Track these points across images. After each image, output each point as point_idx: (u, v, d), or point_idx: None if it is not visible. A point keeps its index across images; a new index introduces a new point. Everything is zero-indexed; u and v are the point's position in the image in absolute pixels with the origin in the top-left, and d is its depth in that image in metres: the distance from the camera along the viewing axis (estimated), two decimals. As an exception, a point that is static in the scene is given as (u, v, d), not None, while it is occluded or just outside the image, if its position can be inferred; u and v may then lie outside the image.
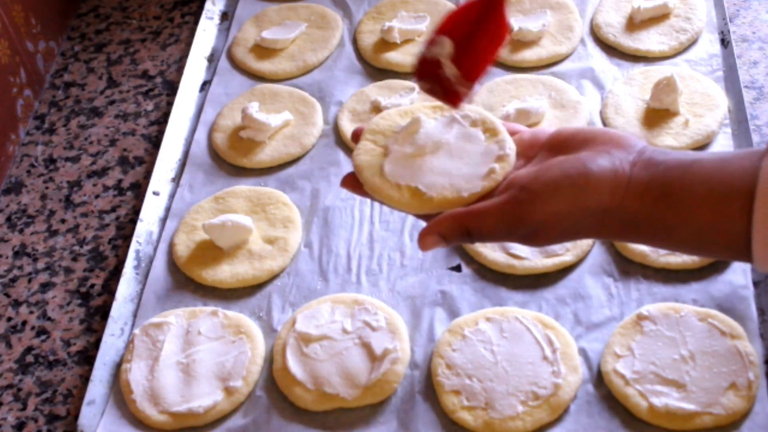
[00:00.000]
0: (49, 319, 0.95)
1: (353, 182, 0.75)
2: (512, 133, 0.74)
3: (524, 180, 0.66)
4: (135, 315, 0.92)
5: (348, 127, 1.04)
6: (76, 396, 0.88)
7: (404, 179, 0.72)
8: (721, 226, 0.62)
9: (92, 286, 0.97)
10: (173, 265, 0.95)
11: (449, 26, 0.72)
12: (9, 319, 0.95)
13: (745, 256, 0.61)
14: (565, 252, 0.88)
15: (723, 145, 0.96)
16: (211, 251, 0.94)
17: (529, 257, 0.89)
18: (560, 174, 0.65)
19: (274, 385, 0.84)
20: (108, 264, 0.99)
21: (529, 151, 0.72)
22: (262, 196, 0.99)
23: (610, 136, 0.67)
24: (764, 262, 0.60)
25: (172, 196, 1.02)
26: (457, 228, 0.68)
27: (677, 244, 0.66)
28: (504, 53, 1.09)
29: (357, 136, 0.77)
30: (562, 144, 0.69)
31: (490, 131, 0.74)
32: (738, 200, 0.60)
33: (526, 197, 0.66)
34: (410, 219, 0.94)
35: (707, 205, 0.62)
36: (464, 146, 0.73)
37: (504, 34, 0.72)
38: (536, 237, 0.67)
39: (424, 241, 0.68)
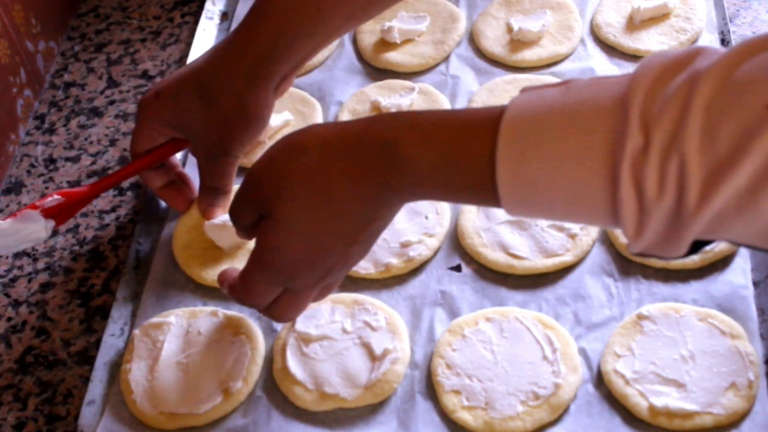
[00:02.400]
0: (49, 319, 0.95)
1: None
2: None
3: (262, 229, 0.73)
4: (135, 315, 0.92)
5: (348, 127, 1.04)
6: (76, 396, 0.88)
7: None
8: (464, 149, 0.59)
9: (92, 286, 0.97)
10: (173, 265, 0.95)
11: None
12: (9, 319, 0.95)
13: (487, 190, 0.58)
14: (565, 252, 0.89)
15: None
16: (211, 251, 0.94)
17: (529, 257, 0.89)
18: (278, 145, 0.69)
19: (274, 385, 0.84)
20: (108, 264, 0.99)
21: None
22: (262, 196, 0.99)
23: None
24: (510, 200, 0.58)
25: (172, 196, 1.02)
26: (234, 298, 0.79)
27: (422, 174, 0.62)
28: (504, 53, 1.09)
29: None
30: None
31: None
32: (482, 125, 0.58)
33: (266, 230, 0.73)
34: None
35: (450, 127, 0.60)
36: None
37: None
38: (301, 264, 0.71)
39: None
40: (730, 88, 0.50)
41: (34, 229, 0.88)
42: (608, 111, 0.53)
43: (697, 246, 0.56)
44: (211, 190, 0.91)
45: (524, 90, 0.60)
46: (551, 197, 0.56)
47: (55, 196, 0.89)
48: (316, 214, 0.68)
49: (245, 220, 0.75)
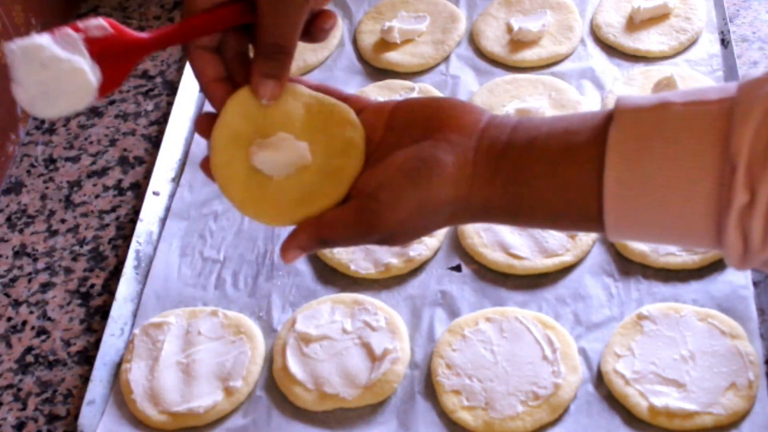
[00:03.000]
0: (49, 319, 0.95)
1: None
2: (358, 110, 0.69)
3: (370, 187, 0.65)
4: (135, 315, 0.92)
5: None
6: (76, 396, 0.88)
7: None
8: (572, 198, 0.60)
9: (92, 286, 0.97)
10: (174, 264, 0.95)
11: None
12: (9, 319, 0.95)
13: (598, 225, 0.59)
14: (565, 252, 0.89)
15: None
16: (256, 175, 0.83)
17: (529, 257, 0.89)
18: (403, 178, 0.63)
19: (274, 385, 0.84)
20: (108, 264, 0.99)
21: (374, 130, 0.69)
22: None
23: (448, 115, 0.65)
24: (615, 230, 0.59)
25: (172, 196, 1.02)
26: (313, 239, 0.67)
27: (529, 222, 0.64)
28: (504, 53, 1.09)
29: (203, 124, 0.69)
30: (403, 126, 0.67)
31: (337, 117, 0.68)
32: (586, 170, 0.58)
33: (373, 207, 0.64)
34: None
35: (554, 181, 0.60)
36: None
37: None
38: (392, 240, 0.66)
39: (286, 254, 0.67)
40: None
41: (76, 70, 0.61)
42: (713, 158, 0.54)
43: None
44: (271, 49, 0.71)
45: (619, 106, 0.59)
46: (657, 234, 0.59)
47: (101, 21, 0.63)
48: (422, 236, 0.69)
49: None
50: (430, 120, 0.65)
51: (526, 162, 0.61)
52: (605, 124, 0.58)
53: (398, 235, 0.65)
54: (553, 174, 0.60)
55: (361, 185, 0.65)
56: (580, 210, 0.60)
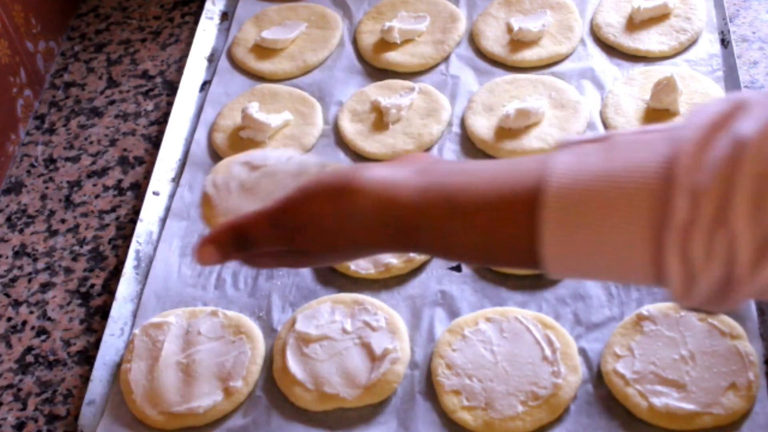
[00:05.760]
0: (49, 319, 0.95)
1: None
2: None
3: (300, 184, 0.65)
4: (135, 315, 0.92)
5: (348, 128, 1.04)
6: (76, 396, 0.88)
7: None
8: (506, 230, 0.58)
9: (92, 286, 0.97)
10: (174, 264, 0.95)
11: None
12: (9, 319, 0.95)
13: (531, 261, 0.57)
14: (565, 252, 0.88)
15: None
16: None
17: (529, 257, 0.89)
18: (329, 175, 0.63)
19: (274, 385, 0.84)
20: (108, 264, 0.99)
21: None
22: (262, 196, 0.99)
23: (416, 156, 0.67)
24: (555, 268, 0.56)
25: (172, 196, 1.02)
26: (232, 235, 0.66)
27: (461, 252, 0.62)
28: (504, 53, 1.09)
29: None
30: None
31: None
32: (522, 200, 0.56)
33: (295, 197, 0.64)
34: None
35: (489, 208, 0.58)
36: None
37: None
38: (303, 239, 0.64)
39: (200, 253, 0.66)
40: None
41: None
42: (653, 181, 0.53)
43: None
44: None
45: (562, 146, 0.58)
46: (596, 265, 0.56)
47: None
48: (340, 249, 0.66)
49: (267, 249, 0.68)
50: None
51: (463, 184, 0.60)
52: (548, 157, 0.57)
53: (308, 232, 0.63)
54: (487, 202, 0.58)
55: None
56: (516, 253, 0.58)
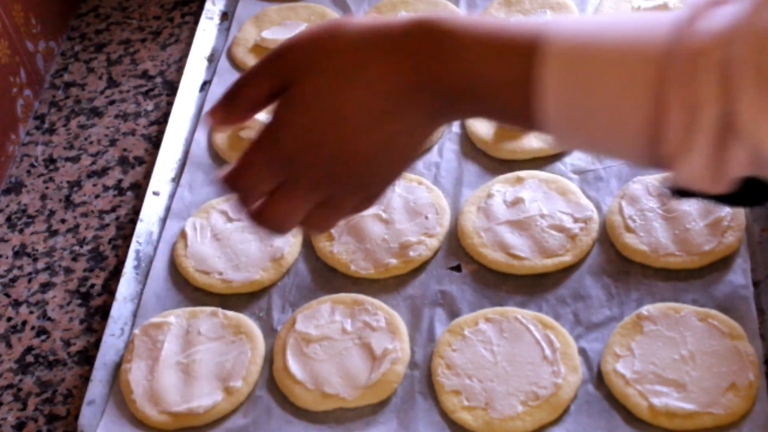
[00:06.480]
0: (49, 319, 0.95)
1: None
2: None
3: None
4: (135, 315, 0.92)
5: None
6: (76, 396, 0.88)
7: None
8: (504, 78, 0.57)
9: (92, 286, 0.97)
10: (173, 266, 0.95)
11: None
12: (9, 319, 0.95)
13: (525, 106, 0.56)
14: (565, 252, 0.89)
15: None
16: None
17: (528, 257, 0.89)
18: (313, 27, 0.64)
19: (274, 385, 0.84)
20: (108, 264, 0.99)
21: None
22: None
23: None
24: (555, 127, 0.56)
25: (172, 196, 1.02)
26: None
27: (455, 80, 0.59)
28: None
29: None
30: None
31: None
32: (524, 41, 0.56)
33: (285, 45, 0.63)
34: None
35: (483, 45, 0.57)
36: None
37: None
38: (301, 88, 0.61)
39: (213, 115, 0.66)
40: None
41: None
42: (662, 32, 0.53)
43: (742, 197, 0.56)
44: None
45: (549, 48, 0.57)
46: (595, 106, 0.56)
47: None
48: (341, 94, 0.61)
49: (259, 89, 0.64)
50: None
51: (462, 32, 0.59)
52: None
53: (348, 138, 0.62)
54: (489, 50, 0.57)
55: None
56: (512, 94, 0.57)
